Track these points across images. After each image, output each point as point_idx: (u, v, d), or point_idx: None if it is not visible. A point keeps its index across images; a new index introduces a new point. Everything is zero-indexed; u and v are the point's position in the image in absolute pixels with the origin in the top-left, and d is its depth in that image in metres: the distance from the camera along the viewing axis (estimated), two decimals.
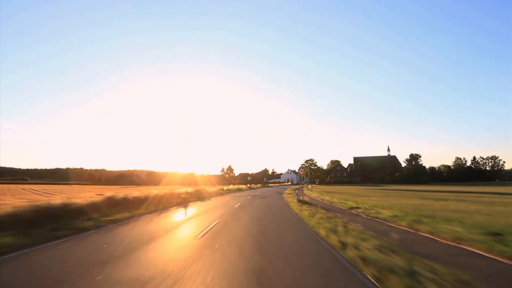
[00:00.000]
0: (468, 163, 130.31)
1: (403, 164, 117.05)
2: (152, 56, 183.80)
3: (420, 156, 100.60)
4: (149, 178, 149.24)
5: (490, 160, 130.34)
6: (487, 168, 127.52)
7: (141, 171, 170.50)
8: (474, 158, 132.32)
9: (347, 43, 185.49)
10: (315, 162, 78.59)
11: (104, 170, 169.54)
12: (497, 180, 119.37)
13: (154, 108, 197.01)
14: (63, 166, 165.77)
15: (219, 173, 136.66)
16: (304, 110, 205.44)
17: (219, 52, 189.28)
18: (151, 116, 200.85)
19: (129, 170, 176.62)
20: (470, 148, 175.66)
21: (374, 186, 72.33)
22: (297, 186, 65.30)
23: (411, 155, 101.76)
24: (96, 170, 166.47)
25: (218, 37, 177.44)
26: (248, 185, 62.20)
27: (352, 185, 77.41)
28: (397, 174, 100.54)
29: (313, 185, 76.02)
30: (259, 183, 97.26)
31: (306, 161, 78.91)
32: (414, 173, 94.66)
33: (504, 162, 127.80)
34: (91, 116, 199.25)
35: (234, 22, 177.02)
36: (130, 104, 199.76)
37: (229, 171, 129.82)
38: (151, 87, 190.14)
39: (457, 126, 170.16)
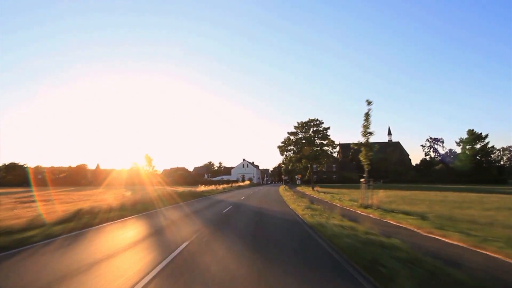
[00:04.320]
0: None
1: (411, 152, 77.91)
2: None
3: (486, 136, 58.68)
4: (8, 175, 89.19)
5: (506, 152, 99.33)
6: (502, 163, 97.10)
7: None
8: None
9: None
10: (323, 129, 30.09)
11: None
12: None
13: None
14: None
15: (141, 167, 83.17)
16: (258, 100, 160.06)
17: (165, 49, 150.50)
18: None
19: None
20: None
21: (416, 188, 27.91)
22: (286, 193, 17.38)
23: (473, 133, 59.53)
24: None
25: (160, 34, 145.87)
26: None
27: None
28: (439, 166, 58.72)
29: (301, 185, 28.62)
30: (195, 184, 47.42)
31: (305, 125, 29.91)
32: (480, 166, 53.44)
33: None
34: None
35: (180, 20, 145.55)
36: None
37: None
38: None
39: (464, 108, 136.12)
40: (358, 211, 12.41)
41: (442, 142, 75.99)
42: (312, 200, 17.18)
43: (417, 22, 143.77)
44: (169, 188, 25.92)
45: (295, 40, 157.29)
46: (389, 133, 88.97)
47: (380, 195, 13.75)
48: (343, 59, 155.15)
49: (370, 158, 13.95)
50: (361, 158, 14.05)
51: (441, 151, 75.59)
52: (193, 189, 27.48)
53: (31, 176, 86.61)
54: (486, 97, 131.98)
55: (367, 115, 13.76)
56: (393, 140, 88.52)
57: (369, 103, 13.72)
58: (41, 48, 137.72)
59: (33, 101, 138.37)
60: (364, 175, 13.79)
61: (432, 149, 76.90)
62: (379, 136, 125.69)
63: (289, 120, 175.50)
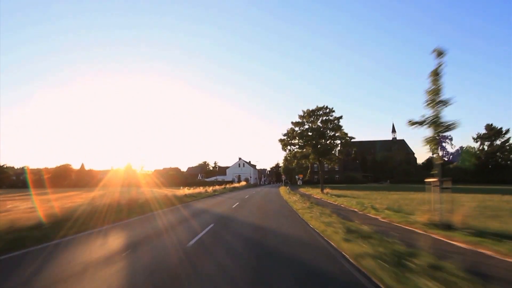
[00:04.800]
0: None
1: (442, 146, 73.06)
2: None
3: (507, 131, 53.52)
4: None
5: None
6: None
7: None
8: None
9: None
10: (335, 118, 24.62)
11: None
12: None
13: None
14: None
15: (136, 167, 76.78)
16: (246, 97, 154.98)
17: (159, 49, 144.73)
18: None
19: None
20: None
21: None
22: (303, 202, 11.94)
23: (491, 128, 54.37)
24: None
25: (155, 34, 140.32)
26: None
27: (398, 191, 26.16)
28: (453, 164, 53.67)
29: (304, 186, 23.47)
30: (186, 185, 41.22)
31: (312, 113, 24.06)
32: (500, 164, 48.67)
33: None
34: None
35: (175, 20, 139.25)
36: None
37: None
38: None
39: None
40: (442, 238, 6.53)
41: (451, 139, 70.88)
42: (338, 212, 11.74)
43: (413, 21, 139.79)
44: (146, 191, 20.41)
45: (291, 40, 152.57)
46: (393, 131, 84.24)
47: (468, 206, 8.38)
48: (341, 58, 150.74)
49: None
50: (429, 145, 8.78)
51: (450, 149, 70.99)
52: (171, 192, 21.74)
53: (29, 177, 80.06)
54: (490, 94, 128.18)
55: (435, 74, 8.45)
56: (397, 138, 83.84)
57: (439, 53, 8.40)
58: (34, 49, 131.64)
59: (24, 102, 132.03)
60: (435, 172, 8.50)
61: (439, 147, 71.86)
62: (383, 134, 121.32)
63: (286, 120, 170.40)
